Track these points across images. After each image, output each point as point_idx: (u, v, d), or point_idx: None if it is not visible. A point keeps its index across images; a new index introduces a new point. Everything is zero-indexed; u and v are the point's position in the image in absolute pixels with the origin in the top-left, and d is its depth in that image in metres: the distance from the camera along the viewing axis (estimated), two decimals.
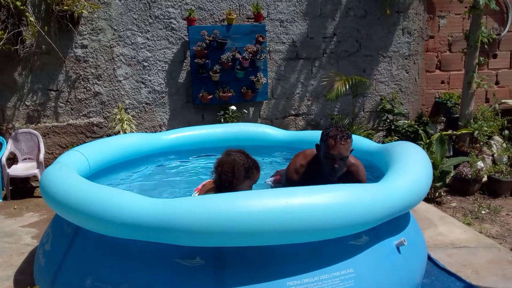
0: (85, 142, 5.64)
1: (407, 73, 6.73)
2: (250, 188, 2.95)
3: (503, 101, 6.85)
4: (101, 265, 2.64)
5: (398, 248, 2.83)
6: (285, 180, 3.44)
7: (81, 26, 5.67)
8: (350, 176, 3.23)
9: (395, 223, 2.90)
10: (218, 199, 2.50)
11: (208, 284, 2.44)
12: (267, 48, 6.14)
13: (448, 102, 6.62)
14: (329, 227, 2.44)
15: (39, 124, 5.81)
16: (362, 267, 2.60)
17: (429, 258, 3.51)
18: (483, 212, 4.90)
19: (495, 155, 5.93)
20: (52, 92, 5.78)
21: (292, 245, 2.50)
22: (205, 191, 3.04)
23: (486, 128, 6.09)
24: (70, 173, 3.03)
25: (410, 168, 3.03)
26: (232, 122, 5.86)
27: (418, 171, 3.04)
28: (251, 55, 5.91)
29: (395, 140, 5.94)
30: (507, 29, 6.85)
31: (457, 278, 3.28)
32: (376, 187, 2.70)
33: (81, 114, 5.90)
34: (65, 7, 5.34)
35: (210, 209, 2.40)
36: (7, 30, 5.25)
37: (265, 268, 2.48)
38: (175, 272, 2.49)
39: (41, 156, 5.53)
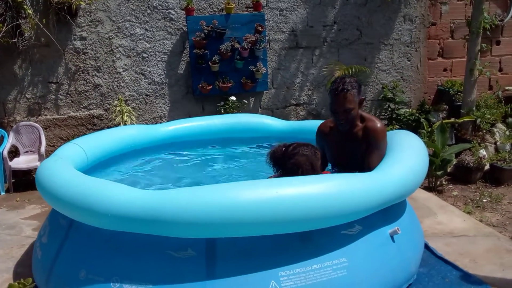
0: (86, 135, 5.65)
1: (409, 61, 6.66)
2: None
3: (507, 88, 6.76)
4: (94, 257, 2.67)
5: (392, 237, 2.82)
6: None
7: (80, 18, 5.67)
8: (368, 132, 3.05)
9: (389, 212, 2.89)
10: (208, 189, 2.50)
11: (200, 275, 2.45)
12: (267, 38, 6.10)
13: (451, 89, 6.55)
14: (319, 217, 2.45)
15: (40, 117, 5.84)
16: (355, 257, 2.61)
17: (427, 247, 3.49)
18: (484, 200, 4.86)
19: (498, 143, 5.87)
20: (52, 84, 5.79)
21: (284, 235, 2.51)
22: None
23: (488, 116, 6.02)
24: (64, 167, 3.04)
25: (405, 157, 2.99)
26: (232, 112, 5.85)
27: (412, 160, 3.00)
28: (250, 44, 5.87)
29: (396, 129, 5.89)
30: (510, 14, 6.73)
31: (454, 267, 3.27)
32: (368, 176, 2.68)
33: (82, 106, 5.91)
34: None
35: (200, 200, 2.41)
36: (6, 23, 5.26)
37: (257, 259, 2.49)
38: (167, 264, 2.50)
39: (42, 149, 5.56)
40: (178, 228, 2.42)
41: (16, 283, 1.97)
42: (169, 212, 2.39)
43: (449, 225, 4.09)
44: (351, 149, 3.11)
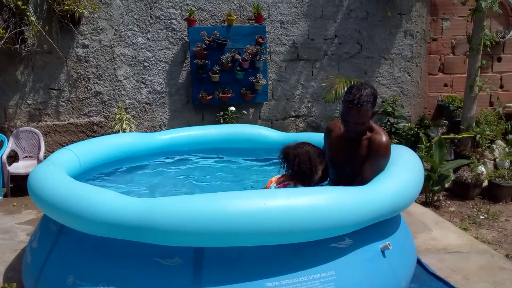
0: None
1: (409, 75, 6.68)
2: (321, 171, 3.12)
3: (508, 104, 6.74)
4: (82, 263, 2.67)
5: (383, 252, 2.80)
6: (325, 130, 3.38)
7: (82, 26, 5.72)
8: (371, 144, 2.96)
9: (381, 226, 2.87)
10: (197, 199, 2.50)
11: (187, 283, 2.45)
12: (268, 49, 6.14)
13: (451, 105, 6.55)
14: (307, 230, 2.43)
15: (40, 123, 5.87)
16: (344, 270, 2.59)
17: (419, 263, 3.47)
18: (481, 217, 4.83)
19: (497, 159, 5.85)
20: (53, 91, 5.84)
21: (272, 246, 2.50)
22: (283, 183, 3.08)
23: (488, 132, 6.01)
24: (56, 172, 3.05)
25: (398, 171, 2.97)
26: (231, 123, 5.87)
27: (406, 175, 2.97)
28: (251, 56, 5.91)
29: (394, 143, 5.88)
30: (511, 32, 6.75)
31: (445, 283, 3.24)
32: (358, 190, 2.67)
33: (82, 113, 5.94)
34: (66, 7, 5.38)
35: (189, 209, 2.41)
36: (9, 30, 5.32)
37: (244, 268, 2.48)
38: (154, 271, 2.50)
39: (41, 154, 5.58)
40: (166, 236, 2.42)
41: None
42: (158, 220, 2.38)
43: (444, 241, 4.07)
44: (350, 154, 3.05)
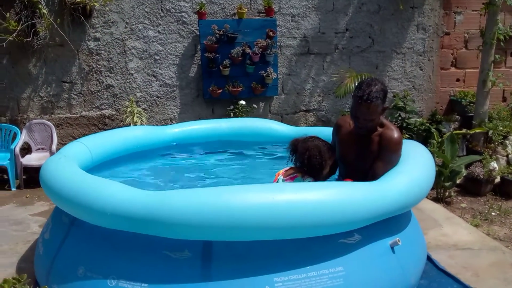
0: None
1: (421, 70, 6.61)
2: (329, 166, 3.10)
3: None
4: (93, 255, 2.70)
5: (392, 248, 2.78)
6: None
7: (94, 19, 5.75)
8: (382, 140, 2.93)
9: (391, 222, 2.85)
10: (206, 192, 2.51)
11: (195, 277, 2.46)
12: (278, 43, 6.11)
13: (463, 100, 6.48)
14: (316, 225, 2.42)
15: (52, 115, 5.92)
16: (352, 266, 2.58)
17: (429, 259, 3.45)
18: (493, 213, 4.79)
19: (510, 155, 5.78)
20: (66, 84, 5.88)
21: (281, 241, 2.50)
22: (290, 176, 3.08)
23: (501, 128, 5.93)
24: (68, 165, 3.08)
25: (409, 167, 2.94)
26: (242, 116, 5.86)
27: (417, 171, 2.94)
28: (261, 49, 5.89)
29: (406, 138, 5.84)
30: None
31: (455, 280, 3.22)
32: (369, 186, 2.65)
33: (94, 106, 5.98)
34: (78, 0, 5.41)
35: (198, 203, 2.41)
36: (21, 22, 5.36)
37: (252, 263, 2.49)
38: (163, 264, 2.52)
39: (54, 147, 5.63)
40: (175, 230, 2.43)
41: (10, 278, 1.99)
42: (167, 213, 2.40)
43: (454, 237, 4.04)
44: (361, 150, 3.03)
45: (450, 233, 4.13)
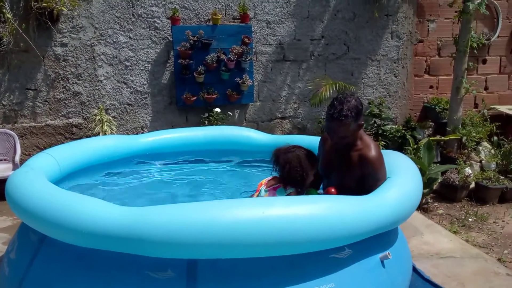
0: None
1: (396, 77, 6.63)
2: (312, 175, 3.02)
3: (492, 106, 6.78)
4: (66, 276, 2.49)
5: (382, 262, 2.70)
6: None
7: (61, 24, 5.50)
8: (362, 160, 2.81)
9: (380, 235, 2.77)
10: (191, 207, 2.36)
11: None
12: (254, 50, 6.01)
13: (437, 107, 6.53)
14: (307, 241, 2.31)
15: (16, 124, 5.62)
16: (344, 281, 2.47)
17: (414, 269, 3.39)
18: (470, 220, 4.80)
19: (483, 161, 5.85)
20: (30, 91, 5.59)
21: (269, 258, 2.37)
22: (273, 186, 2.97)
23: (474, 134, 6.00)
24: (37, 178, 2.87)
25: (400, 181, 2.84)
26: (217, 124, 5.72)
27: (407, 185, 2.86)
28: (236, 56, 5.77)
29: (382, 146, 5.83)
30: (497, 34, 6.78)
31: None
32: (360, 200, 2.55)
33: (60, 114, 5.71)
34: (44, 4, 5.16)
35: (183, 219, 2.26)
36: None
37: (240, 282, 2.35)
38: (144, 285, 2.34)
39: (17, 158, 5.33)
40: (158, 248, 2.26)
41: None
42: (150, 230, 2.23)
43: (436, 245, 4.01)
44: (339, 164, 2.93)
45: (432, 241, 4.10)
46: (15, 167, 5.23)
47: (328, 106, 2.81)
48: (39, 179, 2.85)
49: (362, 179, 2.81)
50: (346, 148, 2.86)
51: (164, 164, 4.40)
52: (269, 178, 3.09)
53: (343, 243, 2.47)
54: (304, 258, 2.41)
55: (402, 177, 2.89)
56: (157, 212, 2.31)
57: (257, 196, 2.98)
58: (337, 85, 5.67)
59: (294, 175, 2.92)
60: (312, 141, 3.62)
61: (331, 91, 5.64)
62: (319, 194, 3.11)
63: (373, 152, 2.81)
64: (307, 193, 3.00)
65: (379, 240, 2.72)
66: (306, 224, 2.29)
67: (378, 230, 2.62)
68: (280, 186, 2.95)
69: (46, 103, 5.65)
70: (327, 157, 3.04)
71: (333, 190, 2.91)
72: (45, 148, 5.48)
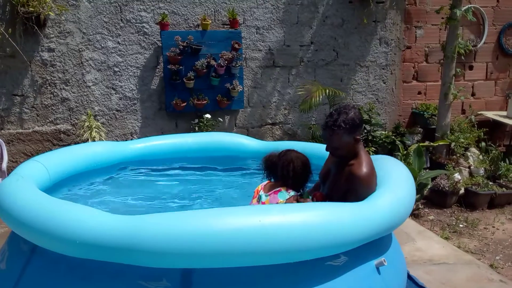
0: (49, 151, 5.37)
1: (384, 83, 6.67)
2: (308, 178, 3.05)
3: (480, 112, 6.85)
4: (59, 286, 2.43)
5: (377, 269, 2.69)
6: None
7: (48, 29, 5.42)
8: (350, 175, 2.74)
9: (374, 242, 2.76)
10: (186, 216, 2.32)
11: None
12: (243, 55, 5.99)
13: (425, 113, 6.58)
14: (303, 249, 2.28)
15: (2, 131, 5.52)
16: None
17: (408, 276, 3.38)
18: (460, 225, 4.83)
19: (471, 167, 5.90)
20: (17, 97, 5.50)
21: (265, 266, 2.33)
22: (274, 190, 2.94)
23: (462, 140, 6.06)
24: (27, 187, 2.80)
25: (394, 187, 2.82)
26: (207, 130, 5.68)
27: (401, 190, 2.84)
28: (226, 62, 5.74)
29: (372, 151, 5.85)
30: (483, 40, 6.87)
31: None
32: (356, 206, 2.54)
33: (48, 120, 5.62)
34: (31, 9, 5.08)
35: (178, 228, 2.22)
36: None
37: None
38: None
39: (4, 165, 5.21)
40: (152, 257, 2.21)
41: None
42: (143, 239, 2.18)
43: (428, 251, 4.02)
44: (333, 175, 2.92)
45: (424, 247, 4.12)
46: (2, 174, 5.12)
47: (327, 116, 2.82)
48: (29, 188, 2.78)
49: (345, 193, 2.76)
50: (342, 160, 2.84)
51: (155, 171, 4.34)
52: (265, 183, 3.07)
53: (339, 251, 2.45)
54: (300, 266, 2.38)
55: (396, 182, 2.88)
56: (152, 221, 2.26)
57: (256, 201, 2.96)
58: (327, 91, 5.68)
59: (298, 174, 2.94)
60: (303, 147, 3.59)
61: (321, 97, 5.64)
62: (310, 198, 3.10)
63: (362, 170, 2.74)
64: (302, 197, 2.98)
65: (373, 246, 2.71)
66: (302, 232, 2.26)
67: (374, 237, 2.61)
68: (282, 190, 2.93)
69: (34, 109, 5.56)
70: (326, 165, 3.03)
71: (318, 194, 2.91)
72: (33, 155, 5.41)
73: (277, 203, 2.87)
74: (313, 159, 3.13)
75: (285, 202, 2.86)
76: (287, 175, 2.94)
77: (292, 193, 2.91)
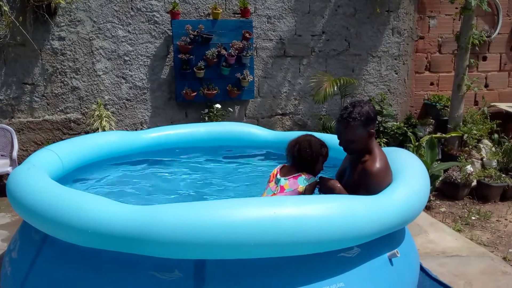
0: (61, 139, 5.38)
1: (396, 73, 6.59)
2: (322, 165, 3.02)
3: (493, 104, 6.76)
4: (69, 277, 2.42)
5: (390, 260, 2.66)
6: None
7: (59, 17, 5.40)
8: (362, 171, 2.72)
9: (388, 234, 2.72)
10: (200, 206, 2.30)
11: None
12: (254, 45, 5.94)
13: (437, 104, 6.50)
14: (317, 241, 2.25)
15: (13, 120, 5.53)
16: (353, 280, 2.43)
17: (421, 268, 3.35)
18: (473, 218, 4.78)
19: (484, 159, 5.82)
20: (27, 86, 5.50)
21: (278, 258, 2.31)
22: (293, 176, 2.92)
23: (475, 132, 5.98)
24: (39, 175, 2.79)
25: (409, 180, 2.79)
26: (217, 120, 5.66)
27: (416, 183, 2.81)
28: (237, 51, 5.70)
29: (384, 143, 5.79)
30: (497, 31, 6.75)
31: None
32: (371, 199, 2.50)
33: (58, 109, 5.62)
34: None
35: (191, 218, 2.20)
36: None
37: (249, 282, 2.29)
38: (150, 286, 2.28)
39: (15, 153, 5.24)
40: (165, 248, 2.20)
41: None
42: (156, 229, 2.17)
43: (441, 244, 3.98)
44: (348, 172, 2.89)
45: (437, 239, 4.07)
46: (13, 163, 5.15)
47: (341, 109, 2.80)
48: (42, 177, 2.77)
49: (357, 188, 2.73)
50: (357, 158, 2.80)
51: (167, 161, 4.33)
52: (280, 166, 3.04)
53: (353, 244, 2.43)
54: (313, 258, 2.36)
55: (411, 176, 2.84)
56: (164, 211, 2.24)
57: (274, 184, 2.92)
58: (341, 80, 5.62)
59: (304, 155, 2.91)
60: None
61: (335, 87, 5.58)
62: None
63: (375, 166, 2.72)
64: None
65: (387, 238, 2.68)
66: (316, 225, 2.24)
67: (388, 230, 2.58)
68: (301, 175, 2.91)
69: (44, 98, 5.56)
70: (343, 164, 3.02)
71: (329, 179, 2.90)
72: (43, 144, 5.43)
73: (296, 188, 2.84)
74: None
75: (305, 188, 2.84)
76: (293, 156, 2.93)
77: (312, 179, 2.88)
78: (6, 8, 5.04)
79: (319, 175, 3.02)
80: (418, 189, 2.77)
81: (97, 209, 2.32)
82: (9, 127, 5.41)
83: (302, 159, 2.92)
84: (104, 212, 2.29)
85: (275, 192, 2.86)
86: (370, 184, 2.69)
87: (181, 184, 3.88)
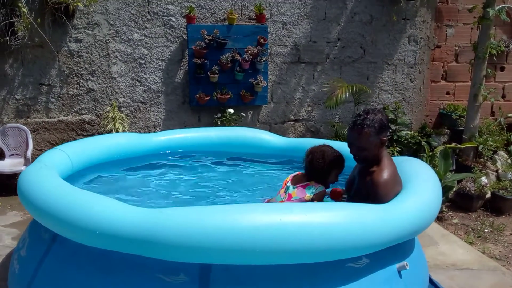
0: (75, 140, 5.43)
1: (412, 82, 6.54)
2: (336, 177, 3.01)
3: (510, 115, 6.65)
4: (77, 277, 2.44)
5: (399, 272, 2.62)
6: None
7: (76, 20, 5.47)
8: (371, 180, 2.69)
9: (397, 244, 2.69)
10: (208, 211, 2.30)
11: None
12: (269, 51, 5.95)
13: (453, 114, 6.42)
14: (324, 249, 2.23)
15: (28, 119, 5.60)
16: None
17: (431, 281, 3.30)
18: (486, 230, 4.70)
19: (499, 171, 5.73)
20: (44, 86, 5.57)
21: (285, 265, 2.30)
22: (302, 184, 2.95)
23: (491, 143, 5.89)
24: (50, 175, 2.82)
25: (420, 190, 2.75)
26: (229, 125, 5.67)
27: (429, 193, 2.77)
28: (251, 57, 5.71)
29: (397, 151, 5.74)
30: None
31: None
32: (380, 208, 2.47)
33: (73, 110, 5.69)
34: None
35: (199, 222, 2.20)
36: None
37: None
38: None
39: (29, 153, 5.32)
40: (171, 251, 2.20)
41: None
42: (163, 233, 2.17)
43: (452, 256, 3.92)
44: (357, 182, 2.86)
45: (447, 251, 4.01)
46: (27, 162, 5.21)
47: (354, 116, 2.79)
48: (53, 177, 2.80)
49: (364, 198, 2.70)
50: (365, 167, 2.78)
51: (177, 164, 4.34)
52: (294, 174, 3.05)
53: (361, 253, 2.40)
54: (320, 267, 2.34)
55: (423, 186, 2.80)
56: (173, 215, 2.25)
57: (284, 192, 2.93)
58: (353, 87, 5.59)
59: (315, 165, 2.91)
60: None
61: (347, 93, 5.55)
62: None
63: (382, 177, 2.68)
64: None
65: (396, 249, 2.64)
66: (324, 232, 2.22)
67: (397, 240, 2.55)
68: (310, 184, 2.91)
69: (60, 98, 5.63)
70: (352, 174, 3.00)
71: (338, 190, 2.92)
72: (57, 144, 5.48)
73: (303, 197, 2.83)
74: None
75: (313, 196, 2.84)
76: (316, 169, 2.92)
77: (320, 188, 2.87)
78: (25, 10, 5.12)
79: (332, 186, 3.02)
80: (429, 199, 2.73)
81: (105, 211, 2.33)
82: (25, 127, 5.49)
83: (314, 169, 2.93)
84: (113, 214, 2.31)
85: (283, 200, 2.86)
86: (377, 195, 2.66)
87: (189, 188, 3.88)
